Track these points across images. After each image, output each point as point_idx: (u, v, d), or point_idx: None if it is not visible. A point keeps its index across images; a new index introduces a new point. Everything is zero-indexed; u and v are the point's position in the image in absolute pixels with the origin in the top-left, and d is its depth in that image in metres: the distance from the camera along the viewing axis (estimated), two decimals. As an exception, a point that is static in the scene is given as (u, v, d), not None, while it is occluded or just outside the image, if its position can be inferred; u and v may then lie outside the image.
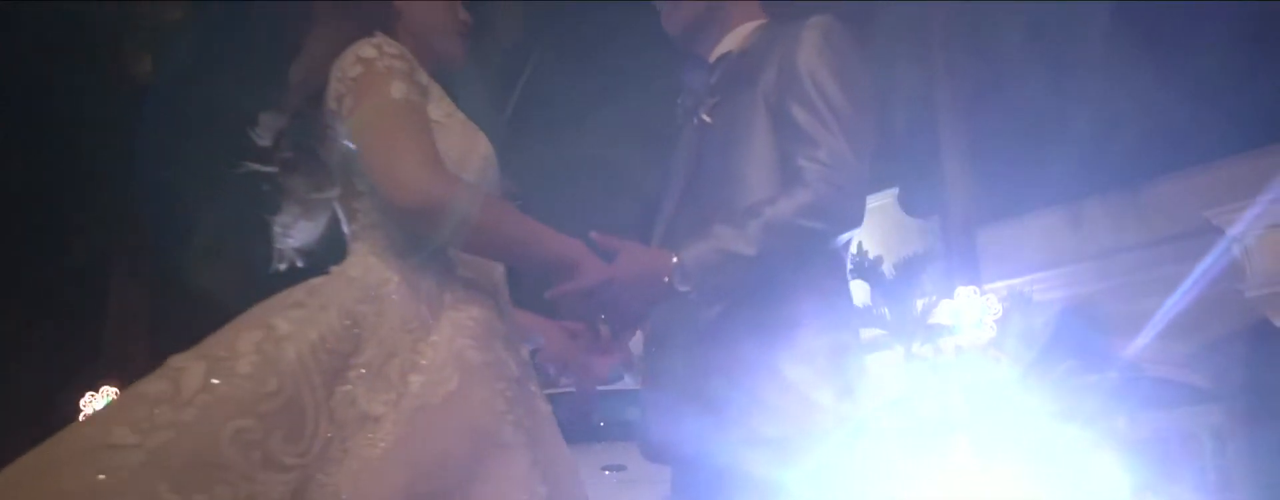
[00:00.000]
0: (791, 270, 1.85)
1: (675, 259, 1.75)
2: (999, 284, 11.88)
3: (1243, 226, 9.58)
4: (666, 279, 1.75)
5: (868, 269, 13.16)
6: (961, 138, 12.60)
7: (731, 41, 2.09)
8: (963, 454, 11.30)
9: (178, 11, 13.03)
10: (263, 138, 1.83)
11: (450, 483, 1.58)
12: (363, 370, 1.60)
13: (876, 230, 13.85)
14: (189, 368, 1.53)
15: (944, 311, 11.51)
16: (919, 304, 12.15)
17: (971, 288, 11.55)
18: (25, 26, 12.86)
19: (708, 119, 2.02)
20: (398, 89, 1.69)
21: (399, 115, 1.68)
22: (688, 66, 2.10)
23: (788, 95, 1.88)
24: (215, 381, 1.50)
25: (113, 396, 13.41)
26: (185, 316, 15.25)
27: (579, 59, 12.87)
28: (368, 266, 1.72)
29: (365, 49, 1.73)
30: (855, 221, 1.87)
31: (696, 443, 1.87)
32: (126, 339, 14.65)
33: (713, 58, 2.10)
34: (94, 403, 13.49)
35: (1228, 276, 9.79)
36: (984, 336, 11.27)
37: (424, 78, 1.79)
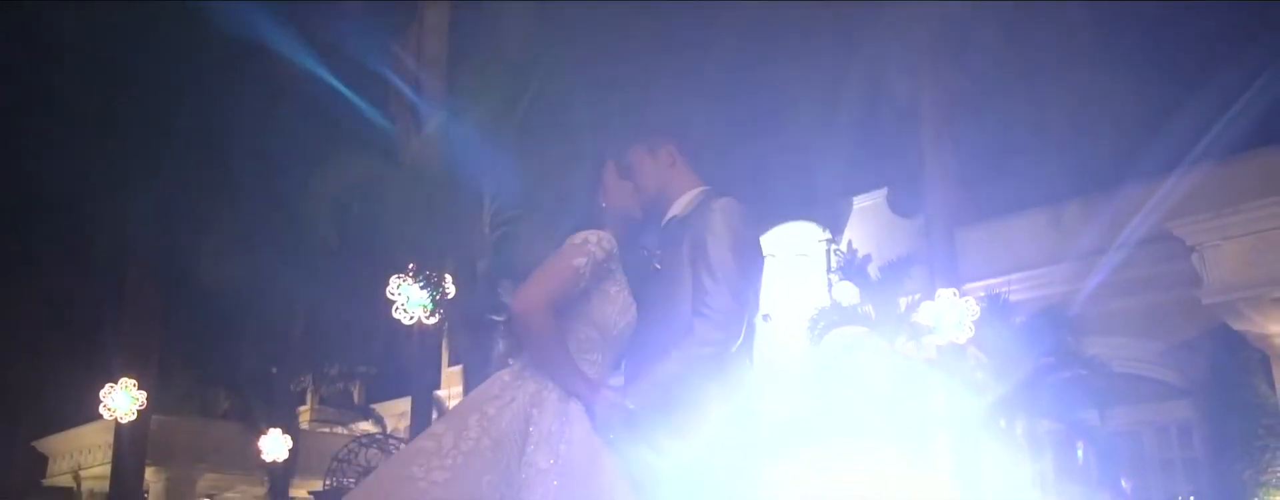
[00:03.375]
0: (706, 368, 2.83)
1: (628, 399, 2.78)
2: (978, 284, 12.19)
3: (1200, 237, 9.84)
4: (623, 407, 2.76)
5: (855, 269, 13.49)
6: (944, 143, 12.91)
7: (677, 207, 3.03)
8: (942, 449, 11.65)
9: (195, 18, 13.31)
10: (505, 294, 2.77)
11: None
12: (534, 446, 2.64)
13: (866, 229, 14.16)
14: (445, 433, 2.64)
15: (925, 312, 11.76)
16: (902, 303, 12.48)
17: (951, 289, 11.82)
18: (36, 30, 13.18)
19: (659, 267, 2.95)
20: (581, 263, 2.75)
21: (560, 270, 2.75)
22: (643, 230, 3.09)
23: (697, 260, 2.85)
24: (462, 445, 2.60)
25: (130, 388, 13.97)
26: (196, 314, 15.74)
27: (587, 61, 13.02)
28: (535, 373, 2.74)
29: (589, 234, 2.82)
30: (734, 338, 2.85)
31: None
32: (141, 335, 15.11)
33: (665, 221, 3.03)
34: (113, 394, 14.10)
35: (1188, 283, 10.09)
36: (963, 336, 11.56)
37: (616, 267, 2.84)
